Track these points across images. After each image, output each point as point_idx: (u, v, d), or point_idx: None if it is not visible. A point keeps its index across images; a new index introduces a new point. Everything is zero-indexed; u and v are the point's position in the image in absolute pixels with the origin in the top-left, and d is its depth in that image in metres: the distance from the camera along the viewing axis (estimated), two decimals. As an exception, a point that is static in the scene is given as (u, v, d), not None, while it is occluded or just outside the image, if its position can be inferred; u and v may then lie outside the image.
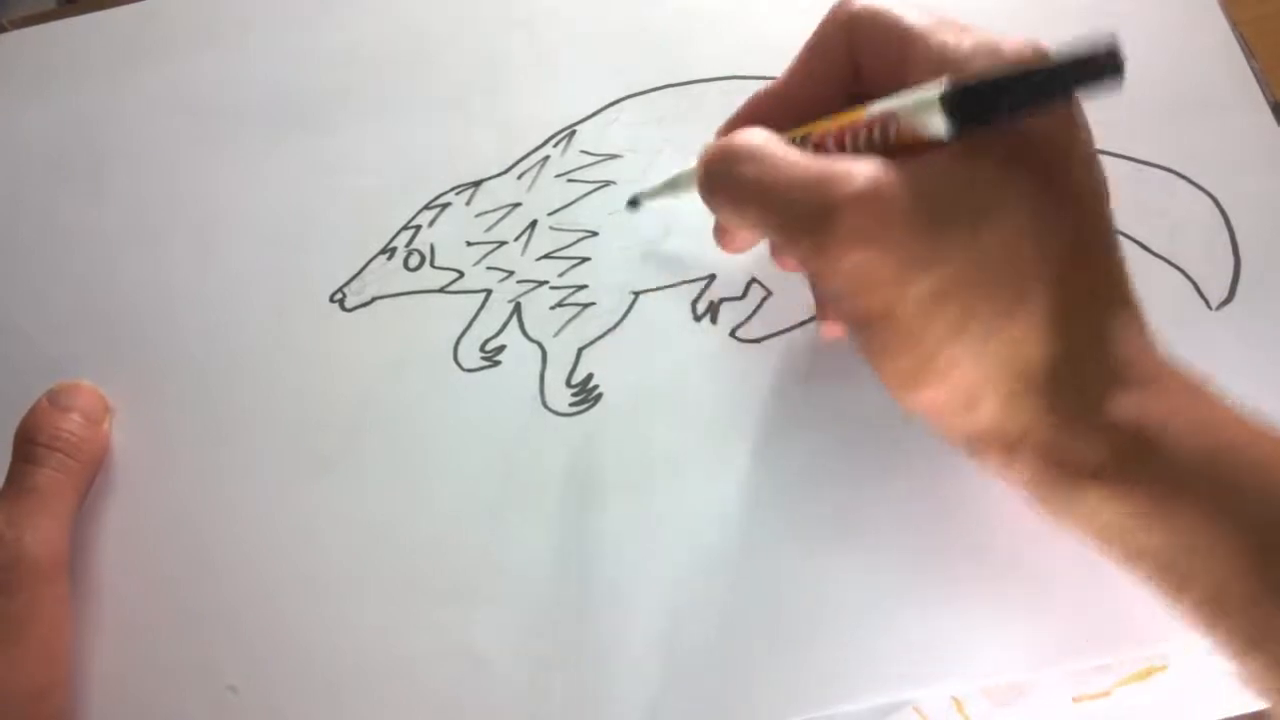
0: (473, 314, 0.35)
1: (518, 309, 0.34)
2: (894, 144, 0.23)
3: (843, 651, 0.29)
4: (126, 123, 0.38)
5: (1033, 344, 0.24)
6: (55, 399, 0.33)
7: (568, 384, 0.33)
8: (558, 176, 0.36)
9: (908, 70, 0.25)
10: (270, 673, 0.30)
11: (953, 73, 0.24)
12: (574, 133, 0.37)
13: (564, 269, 0.35)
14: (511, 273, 0.35)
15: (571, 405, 0.33)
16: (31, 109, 0.39)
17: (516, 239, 0.35)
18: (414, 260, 0.35)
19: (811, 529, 0.31)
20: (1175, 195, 0.34)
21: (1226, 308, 0.32)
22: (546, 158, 0.36)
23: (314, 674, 0.30)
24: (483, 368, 0.34)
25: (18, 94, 0.39)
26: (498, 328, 0.34)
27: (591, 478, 0.32)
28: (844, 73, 0.27)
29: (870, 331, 0.25)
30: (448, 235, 0.35)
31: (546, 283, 0.35)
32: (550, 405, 0.33)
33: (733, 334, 0.33)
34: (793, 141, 0.26)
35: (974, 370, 0.24)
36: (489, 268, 0.35)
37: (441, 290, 0.35)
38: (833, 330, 0.32)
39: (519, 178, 0.36)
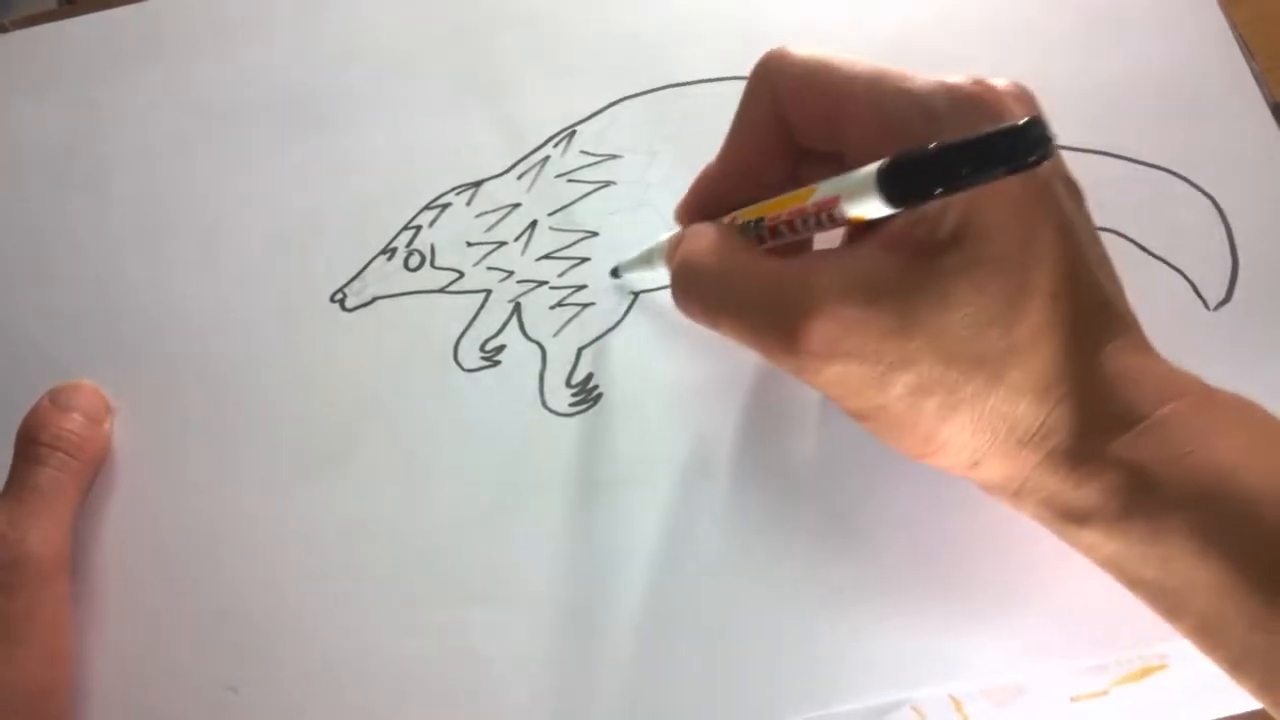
0: (473, 314, 0.35)
1: (518, 309, 0.35)
2: (845, 221, 0.23)
3: (842, 651, 0.29)
4: (127, 123, 0.38)
5: (1022, 407, 0.24)
6: (56, 399, 0.33)
7: (568, 384, 0.33)
8: (558, 177, 0.36)
9: (845, 130, 0.25)
10: (270, 673, 0.31)
11: (885, 130, 0.24)
12: (574, 133, 0.37)
13: (564, 269, 0.35)
14: (511, 273, 0.35)
15: (571, 405, 0.33)
16: (32, 109, 0.39)
17: (516, 239, 0.35)
18: (414, 260, 0.35)
19: (812, 528, 0.31)
20: (1174, 196, 0.34)
21: (1224, 308, 0.33)
22: (547, 158, 0.36)
23: (314, 674, 0.30)
24: (483, 368, 0.34)
25: (18, 94, 0.39)
26: (498, 328, 0.34)
27: (591, 478, 0.32)
28: (780, 137, 0.27)
29: (866, 423, 0.26)
30: (448, 235, 0.36)
31: (546, 283, 0.35)
32: (550, 405, 0.33)
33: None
34: (746, 227, 0.26)
35: (971, 441, 0.25)
36: (489, 268, 0.35)
37: (442, 290, 0.35)
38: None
39: (519, 178, 0.36)
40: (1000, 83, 0.25)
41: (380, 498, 0.32)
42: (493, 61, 0.38)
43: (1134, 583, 0.25)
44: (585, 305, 0.34)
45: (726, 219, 0.27)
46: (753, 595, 0.30)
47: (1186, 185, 0.34)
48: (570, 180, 0.36)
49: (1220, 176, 0.34)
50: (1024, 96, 0.25)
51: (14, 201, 0.37)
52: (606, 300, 0.34)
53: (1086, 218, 0.26)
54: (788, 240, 0.26)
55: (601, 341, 0.34)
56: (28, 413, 0.32)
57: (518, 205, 0.36)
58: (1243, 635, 0.23)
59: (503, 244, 0.35)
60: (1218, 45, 0.36)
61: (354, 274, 0.35)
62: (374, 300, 0.35)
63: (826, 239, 0.28)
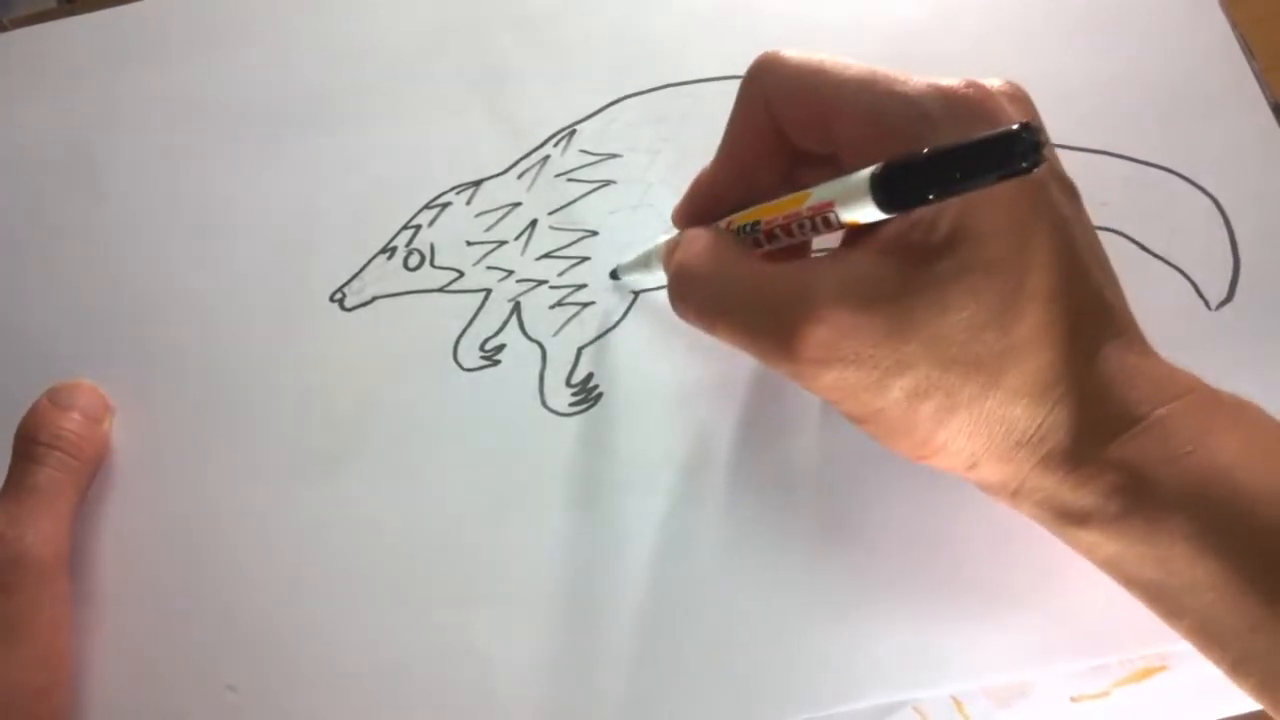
0: (472, 313, 0.35)
1: (517, 308, 0.35)
2: (839, 225, 0.23)
3: (843, 652, 0.29)
4: (126, 122, 0.38)
5: (1019, 410, 0.24)
6: (55, 398, 0.33)
7: (567, 383, 0.33)
8: (558, 176, 0.36)
9: (839, 133, 0.25)
10: (269, 673, 0.30)
11: (879, 133, 0.24)
12: (574, 132, 0.37)
13: (564, 268, 0.35)
14: (511, 272, 0.35)
15: (571, 405, 0.33)
16: (31, 108, 0.39)
17: (516, 238, 0.35)
18: (414, 260, 0.35)
19: (812, 528, 0.31)
20: (1175, 195, 0.34)
21: (1226, 308, 0.33)
22: (547, 157, 0.36)
23: (313, 674, 0.30)
24: (482, 367, 0.34)
25: (17, 93, 0.39)
26: (497, 327, 0.34)
27: (591, 477, 0.32)
28: (775, 140, 0.27)
29: (864, 426, 0.26)
30: (448, 235, 0.35)
31: (546, 282, 0.35)
32: (550, 405, 0.33)
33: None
34: (743, 231, 0.26)
35: (968, 443, 0.25)
36: (489, 267, 0.35)
37: (441, 290, 0.35)
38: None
39: (519, 177, 0.36)
40: (995, 83, 0.25)
41: (380, 497, 0.32)
42: (493, 61, 0.38)
43: (1133, 583, 0.25)
44: (585, 305, 0.34)
45: (723, 223, 0.27)
46: (753, 595, 0.30)
47: (1187, 185, 0.34)
48: (570, 179, 0.36)
49: (1221, 176, 0.34)
50: (1018, 96, 0.25)
51: (14, 201, 0.37)
52: (606, 300, 0.34)
53: (1083, 218, 0.26)
54: (784, 244, 0.26)
55: (601, 341, 0.34)
56: (27, 412, 0.32)
57: (518, 204, 0.36)
58: (1241, 635, 0.23)
59: (502, 243, 0.35)
60: (1218, 45, 0.36)
61: (353, 273, 0.35)
62: (373, 300, 0.35)
63: (826, 241, 0.28)
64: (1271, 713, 0.24)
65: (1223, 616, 0.23)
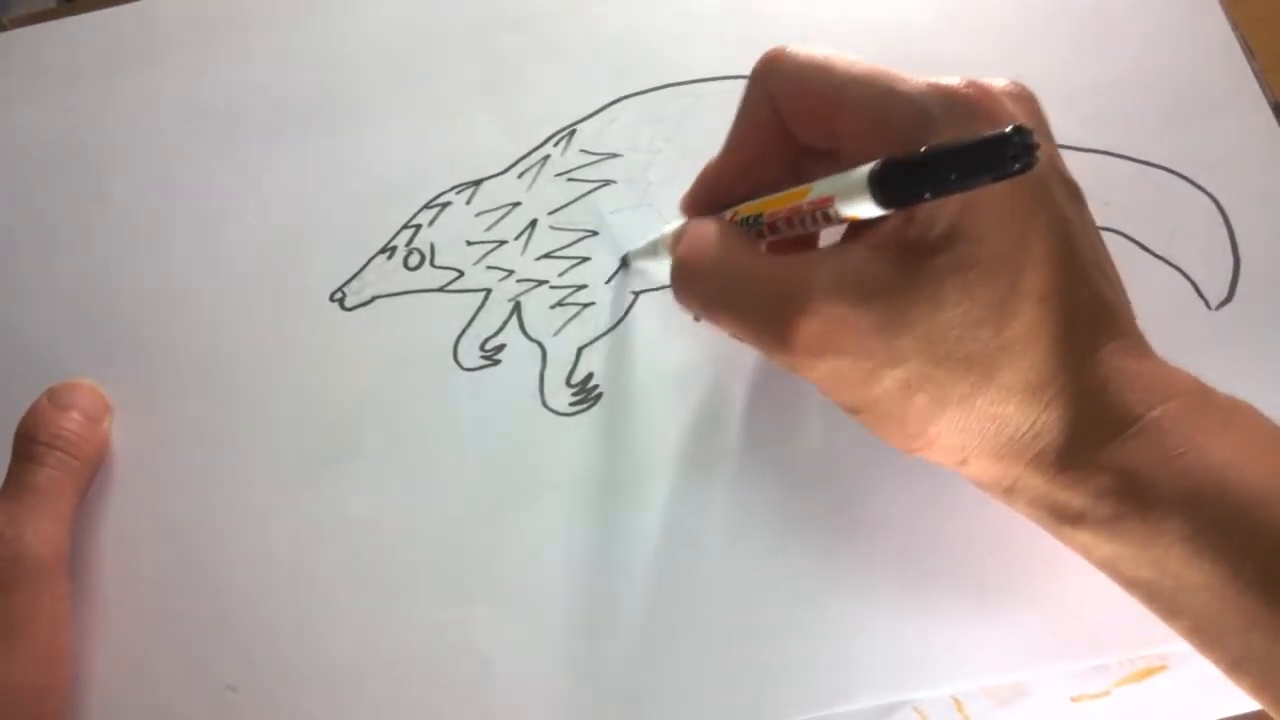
0: (472, 313, 0.35)
1: (517, 308, 0.34)
2: (839, 219, 0.24)
3: (843, 651, 0.29)
4: (126, 122, 0.38)
5: (1011, 408, 0.24)
6: (55, 397, 0.33)
7: (567, 383, 0.33)
8: (558, 176, 0.36)
9: (841, 129, 0.25)
10: (270, 672, 0.30)
11: (880, 130, 0.24)
12: (574, 132, 0.37)
13: (564, 268, 0.35)
14: (511, 272, 0.35)
15: (571, 405, 0.33)
16: (31, 108, 0.39)
17: (516, 238, 0.35)
18: (414, 259, 0.35)
19: (812, 529, 0.31)
20: (1175, 195, 0.34)
21: (1226, 308, 0.33)
22: (547, 157, 0.36)
23: (313, 674, 0.30)
24: (482, 367, 0.34)
25: (17, 93, 0.39)
26: (497, 327, 0.34)
27: (591, 478, 0.32)
28: (780, 135, 0.27)
29: (856, 416, 0.26)
30: (448, 234, 0.35)
31: (546, 282, 0.35)
32: (550, 405, 0.33)
33: (732, 333, 0.33)
34: (745, 223, 0.27)
35: (959, 439, 0.25)
36: (489, 267, 0.35)
37: (441, 289, 0.35)
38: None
39: (519, 177, 0.36)
40: (999, 83, 0.25)
41: (380, 497, 0.32)
42: (493, 60, 0.38)
43: (1129, 583, 0.25)
44: (585, 305, 0.34)
45: (728, 214, 0.28)
46: (753, 595, 0.30)
47: (1188, 185, 0.34)
48: (570, 179, 0.36)
49: (1221, 176, 0.34)
50: (1023, 96, 0.26)
51: (12, 200, 0.37)
52: (606, 300, 0.34)
53: (1085, 219, 0.26)
54: (786, 236, 0.26)
55: (601, 341, 0.34)
56: (26, 411, 0.32)
57: (518, 204, 0.36)
58: (1239, 635, 0.23)
59: (502, 243, 0.35)
60: (1218, 45, 0.36)
61: (353, 273, 0.35)
62: (373, 299, 0.35)
63: (833, 234, 0.28)
64: (1270, 711, 0.24)
65: (1220, 616, 0.23)
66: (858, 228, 0.25)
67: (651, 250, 0.32)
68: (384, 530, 0.32)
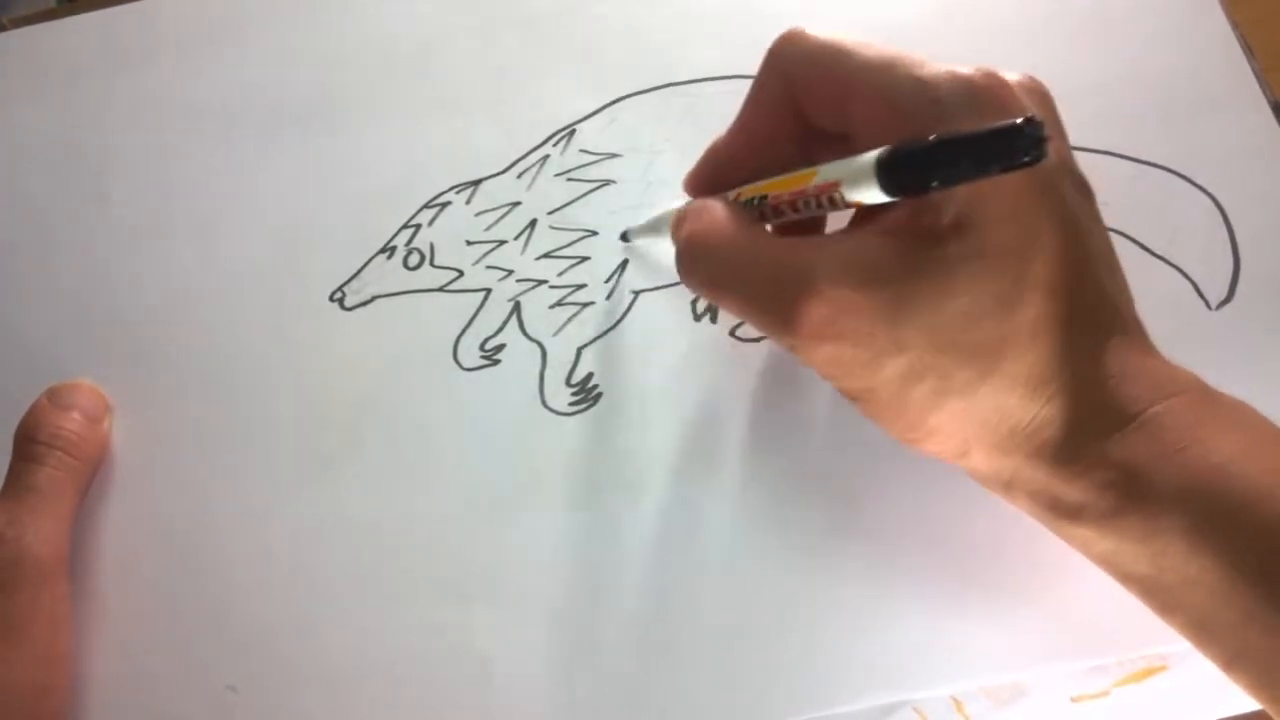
0: (472, 313, 0.35)
1: (517, 308, 0.34)
2: (845, 204, 0.24)
3: (843, 651, 0.29)
4: (126, 122, 0.38)
5: (1013, 400, 0.24)
6: (55, 397, 0.33)
7: (567, 383, 0.33)
8: (557, 175, 0.36)
9: (853, 113, 0.25)
10: (270, 673, 0.30)
11: (892, 116, 0.24)
12: (574, 132, 0.37)
13: (563, 268, 0.35)
14: (511, 272, 0.35)
15: (571, 404, 0.33)
16: (31, 108, 0.39)
17: (516, 238, 0.35)
18: (414, 259, 0.35)
19: (811, 528, 0.31)
20: (1175, 195, 0.34)
21: (1226, 308, 0.32)
22: (546, 157, 0.36)
23: (313, 674, 0.30)
24: (482, 367, 0.34)
25: (17, 93, 0.39)
26: (497, 327, 0.34)
27: (591, 477, 0.32)
28: (791, 116, 0.27)
29: (857, 403, 0.26)
30: (447, 234, 0.35)
31: (546, 282, 0.35)
32: (550, 404, 0.33)
33: (732, 333, 0.33)
34: (750, 204, 0.26)
35: (960, 430, 0.25)
36: (489, 267, 0.35)
37: (441, 289, 0.35)
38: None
39: (519, 177, 0.36)
40: (1013, 76, 0.25)
41: (380, 497, 0.32)
42: (493, 60, 0.38)
43: (1128, 579, 0.25)
44: (585, 304, 0.34)
45: (732, 194, 0.28)
46: (753, 595, 0.30)
47: (1188, 184, 0.34)
48: (570, 179, 0.36)
49: (1221, 176, 0.34)
50: (1036, 89, 0.26)
51: (13, 201, 0.37)
52: (606, 299, 0.34)
53: (1094, 216, 0.26)
54: (789, 219, 0.26)
55: (601, 341, 0.34)
56: (26, 411, 0.32)
57: (517, 204, 0.36)
58: (1237, 631, 0.23)
59: (502, 243, 0.35)
60: (1219, 46, 0.36)
61: (353, 273, 0.35)
62: (373, 299, 0.35)
63: (840, 218, 0.28)
64: (1268, 708, 0.24)
65: (1218, 612, 0.23)
66: (866, 213, 0.25)
67: (653, 228, 0.32)
68: (384, 530, 0.32)
